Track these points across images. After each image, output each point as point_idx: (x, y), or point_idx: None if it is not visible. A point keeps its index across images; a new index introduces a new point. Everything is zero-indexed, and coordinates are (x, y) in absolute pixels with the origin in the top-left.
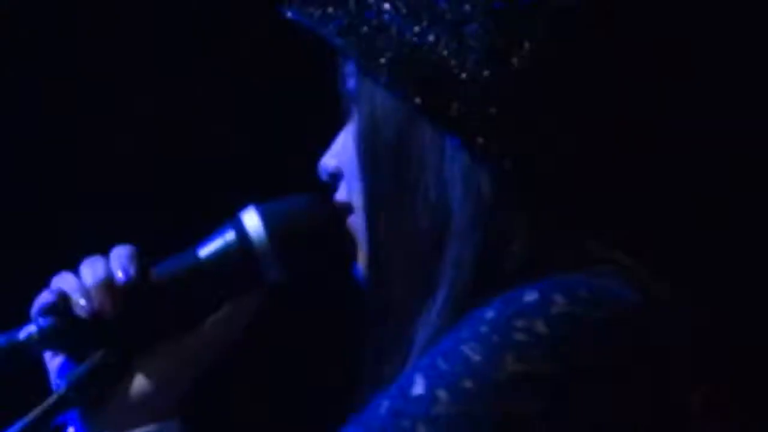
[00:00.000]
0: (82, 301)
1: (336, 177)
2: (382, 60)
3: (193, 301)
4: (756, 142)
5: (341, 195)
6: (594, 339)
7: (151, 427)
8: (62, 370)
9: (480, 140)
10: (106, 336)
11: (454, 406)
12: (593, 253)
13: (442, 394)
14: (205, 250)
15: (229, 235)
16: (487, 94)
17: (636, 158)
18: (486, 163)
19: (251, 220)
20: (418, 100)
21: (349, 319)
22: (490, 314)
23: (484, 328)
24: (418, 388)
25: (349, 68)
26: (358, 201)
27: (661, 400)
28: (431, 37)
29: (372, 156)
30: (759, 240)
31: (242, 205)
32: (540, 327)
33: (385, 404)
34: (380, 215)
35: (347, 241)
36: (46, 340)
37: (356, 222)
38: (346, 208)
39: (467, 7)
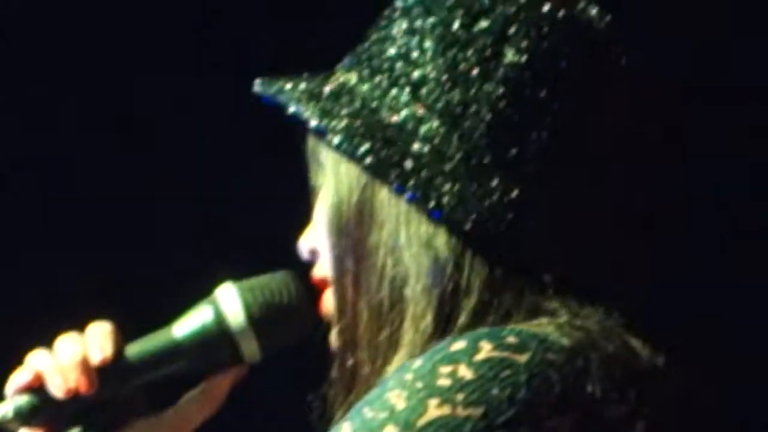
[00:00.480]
0: (58, 381)
1: (315, 254)
2: (338, 123)
3: (169, 379)
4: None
5: (318, 271)
6: (516, 382)
7: None
8: None
9: (435, 199)
10: (82, 414)
11: None
12: (545, 307)
13: None
14: (182, 329)
15: (206, 315)
16: (443, 152)
17: (591, 219)
18: (442, 224)
19: (228, 300)
20: (369, 160)
21: (321, 380)
22: (417, 363)
23: (408, 376)
24: None
25: (318, 143)
26: (327, 270)
27: None
28: (388, 99)
29: (337, 227)
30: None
31: (219, 276)
32: (464, 371)
33: None
34: (347, 285)
35: (323, 317)
36: (22, 418)
37: (329, 295)
38: (322, 284)
39: (424, 67)
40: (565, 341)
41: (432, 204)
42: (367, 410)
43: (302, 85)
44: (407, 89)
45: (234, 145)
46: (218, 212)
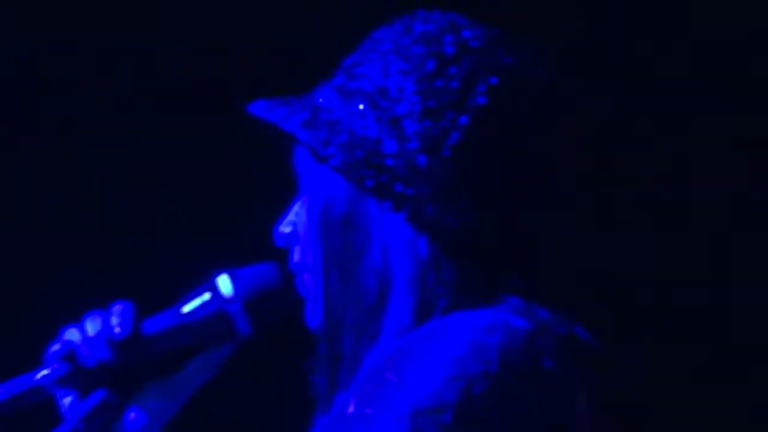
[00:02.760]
0: (87, 352)
1: (291, 242)
2: (335, 150)
3: (177, 349)
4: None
5: (296, 258)
6: (487, 359)
7: None
8: (71, 406)
9: (418, 213)
10: (107, 378)
11: (378, 418)
12: (500, 296)
13: (368, 410)
14: (187, 308)
15: (206, 297)
16: (424, 175)
17: (539, 231)
18: (423, 232)
19: (224, 285)
20: (369, 183)
21: (305, 359)
22: (404, 343)
23: (399, 356)
24: (351, 407)
25: (304, 154)
26: (312, 264)
27: (545, 404)
28: (374, 131)
29: (325, 227)
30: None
31: (217, 270)
32: (445, 350)
33: (324, 423)
34: (331, 276)
35: (301, 297)
36: (57, 382)
37: (309, 281)
38: (301, 270)
39: (404, 104)
40: (525, 323)
41: (417, 219)
42: (366, 386)
43: (301, 114)
44: (390, 123)
45: (224, 154)
46: (213, 214)
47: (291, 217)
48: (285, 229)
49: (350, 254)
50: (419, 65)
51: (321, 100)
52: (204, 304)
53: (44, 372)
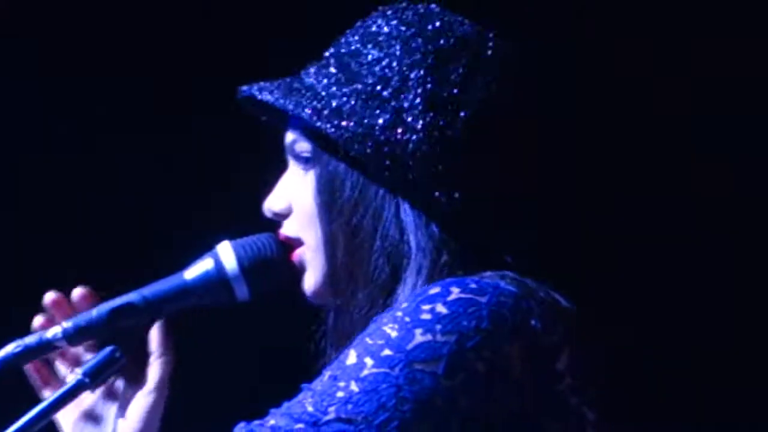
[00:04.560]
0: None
1: (281, 216)
2: (350, 138)
3: (180, 311)
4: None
5: (289, 230)
6: (480, 316)
7: None
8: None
9: (424, 197)
10: (113, 336)
11: (377, 368)
12: (492, 264)
13: (368, 360)
14: (189, 274)
15: (208, 263)
16: (428, 162)
17: (529, 207)
18: (430, 213)
19: (225, 253)
20: (374, 169)
21: (304, 323)
22: (404, 304)
23: (399, 313)
24: (352, 358)
25: (299, 135)
26: (310, 239)
27: (531, 361)
28: (381, 120)
29: (331, 209)
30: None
31: (218, 240)
32: (440, 308)
33: (328, 373)
34: (338, 256)
35: (296, 267)
36: (68, 338)
37: (306, 254)
38: (295, 242)
39: (409, 96)
40: (512, 288)
41: (423, 202)
42: (367, 339)
43: (310, 102)
44: (396, 113)
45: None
46: (214, 194)
47: (282, 191)
48: (277, 202)
49: (359, 236)
50: (422, 60)
51: (326, 87)
52: (206, 271)
53: (56, 329)
